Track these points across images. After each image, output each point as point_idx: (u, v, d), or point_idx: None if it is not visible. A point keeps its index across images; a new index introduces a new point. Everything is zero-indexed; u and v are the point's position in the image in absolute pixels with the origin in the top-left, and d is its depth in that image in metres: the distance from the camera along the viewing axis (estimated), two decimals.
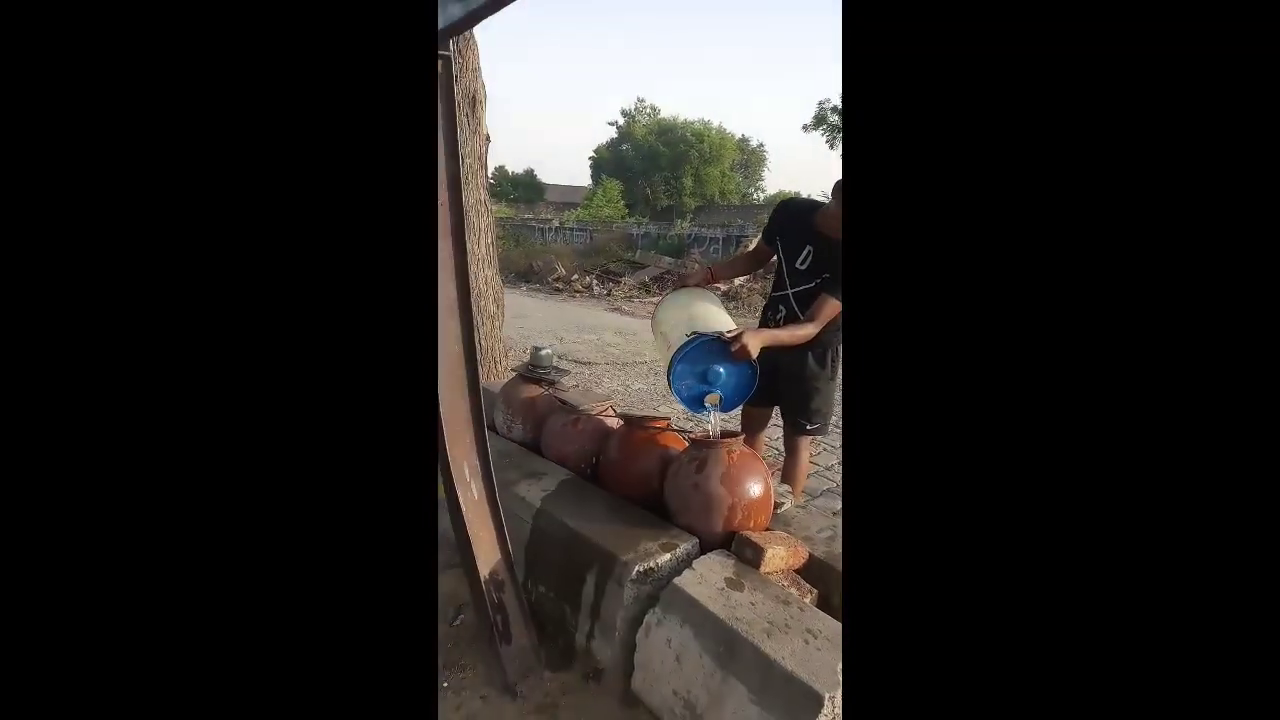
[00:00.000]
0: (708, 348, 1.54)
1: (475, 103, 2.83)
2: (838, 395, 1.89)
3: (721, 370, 1.55)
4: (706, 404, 1.56)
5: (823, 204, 1.76)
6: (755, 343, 1.52)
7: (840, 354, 1.84)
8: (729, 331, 1.55)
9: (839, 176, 1.66)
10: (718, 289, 1.86)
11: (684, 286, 1.91)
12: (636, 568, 1.26)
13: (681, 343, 1.54)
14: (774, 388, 1.82)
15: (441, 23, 0.93)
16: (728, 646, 1.09)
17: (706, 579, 1.23)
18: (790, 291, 1.76)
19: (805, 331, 1.64)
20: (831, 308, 1.64)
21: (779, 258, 1.80)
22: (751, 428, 2.02)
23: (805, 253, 1.71)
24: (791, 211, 1.82)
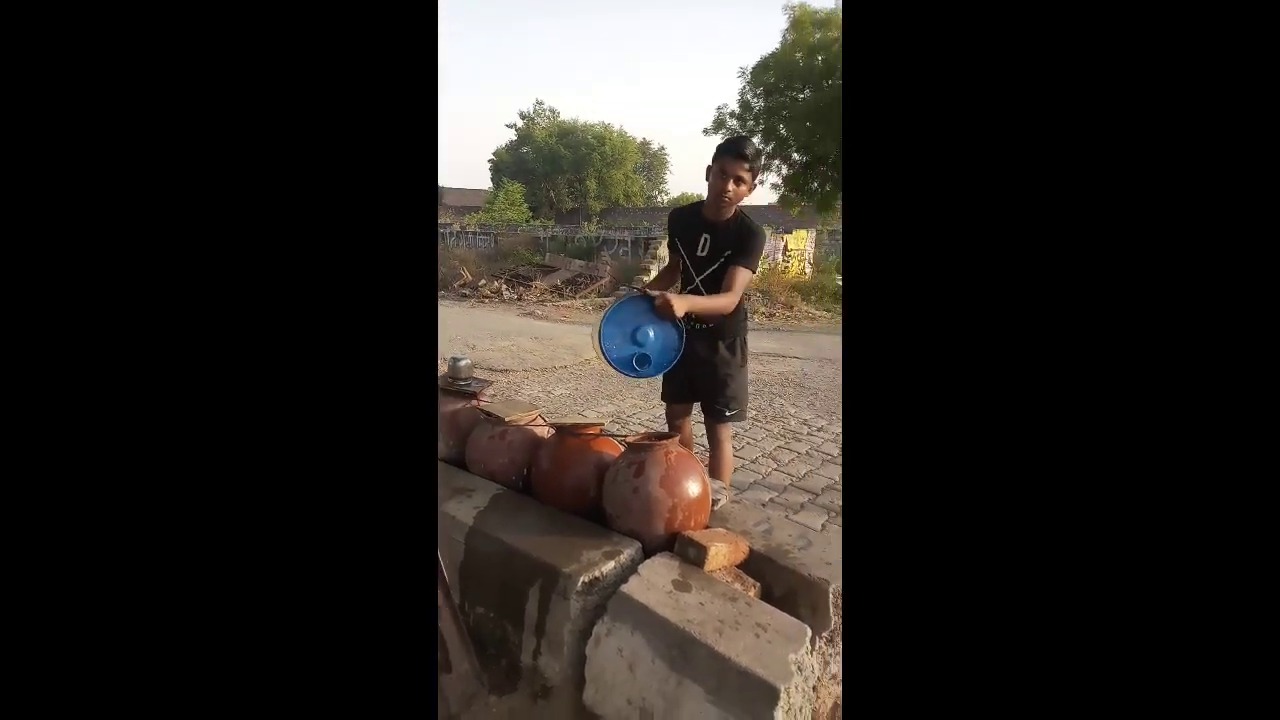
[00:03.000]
0: (633, 306, 1.66)
1: None
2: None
3: (650, 331, 1.67)
4: (636, 365, 1.67)
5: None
6: (679, 302, 1.63)
7: (747, 343, 1.99)
8: (653, 291, 1.67)
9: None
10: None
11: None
12: (582, 578, 1.24)
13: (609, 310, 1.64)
14: (691, 382, 1.95)
15: None
16: (681, 649, 1.09)
17: (654, 583, 1.22)
18: (698, 279, 1.87)
19: (725, 301, 1.74)
20: (743, 276, 1.77)
21: (682, 258, 1.91)
22: (676, 425, 2.07)
23: (703, 241, 1.84)
24: (681, 215, 1.97)
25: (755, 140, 13.35)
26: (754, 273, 1.82)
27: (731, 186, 1.73)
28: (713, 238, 1.83)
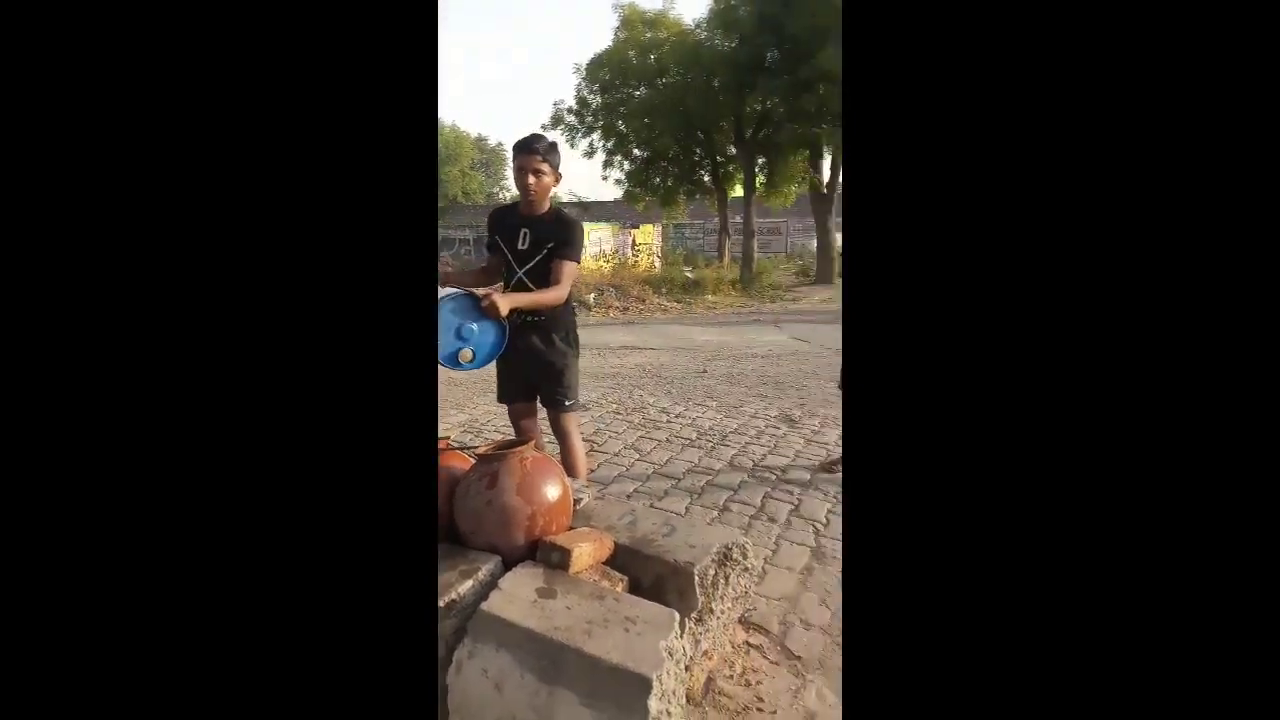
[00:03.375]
0: (460, 304, 1.71)
1: None
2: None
3: (475, 327, 1.73)
4: (460, 360, 1.72)
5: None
6: (504, 302, 1.71)
7: (577, 333, 2.06)
8: (480, 291, 1.72)
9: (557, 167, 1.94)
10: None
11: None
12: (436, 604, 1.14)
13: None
14: (528, 377, 1.98)
15: None
16: (550, 658, 1.04)
17: (516, 595, 1.16)
18: (521, 273, 1.92)
19: (555, 295, 1.83)
20: (570, 269, 1.85)
21: (504, 254, 1.95)
22: (522, 426, 2.03)
23: (522, 235, 1.91)
24: (499, 213, 2.04)
25: (594, 136, 13.53)
26: (579, 263, 1.91)
27: (533, 180, 1.83)
28: (531, 231, 1.89)
